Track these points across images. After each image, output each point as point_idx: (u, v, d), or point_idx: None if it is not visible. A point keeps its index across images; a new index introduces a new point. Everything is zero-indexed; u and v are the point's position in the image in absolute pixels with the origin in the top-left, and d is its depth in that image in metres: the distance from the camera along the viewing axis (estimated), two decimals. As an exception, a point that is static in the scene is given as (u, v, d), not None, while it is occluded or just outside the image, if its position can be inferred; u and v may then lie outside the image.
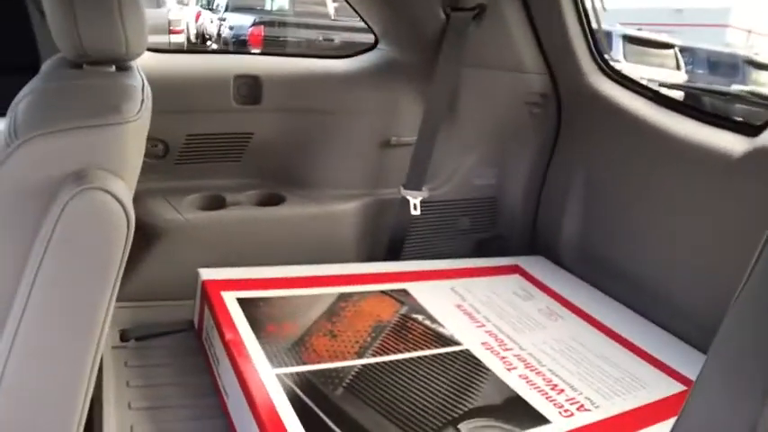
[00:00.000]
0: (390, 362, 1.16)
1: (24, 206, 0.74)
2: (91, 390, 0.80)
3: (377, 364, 1.14)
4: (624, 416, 1.11)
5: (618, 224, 1.60)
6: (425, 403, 1.05)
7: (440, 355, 1.21)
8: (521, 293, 1.55)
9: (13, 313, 0.74)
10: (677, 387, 1.21)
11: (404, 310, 1.36)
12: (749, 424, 0.57)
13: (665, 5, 14.03)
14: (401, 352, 1.20)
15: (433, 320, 1.33)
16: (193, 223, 1.48)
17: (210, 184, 1.59)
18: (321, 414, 0.98)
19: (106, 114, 0.77)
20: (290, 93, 1.60)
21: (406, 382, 1.10)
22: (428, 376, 1.13)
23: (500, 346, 1.28)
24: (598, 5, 1.66)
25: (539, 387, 1.15)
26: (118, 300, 0.79)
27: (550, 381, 1.18)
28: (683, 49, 7.70)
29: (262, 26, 6.78)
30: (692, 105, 1.95)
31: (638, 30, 7.98)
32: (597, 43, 1.73)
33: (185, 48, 7.39)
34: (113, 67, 0.95)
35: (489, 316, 1.40)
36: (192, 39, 7.94)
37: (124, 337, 1.30)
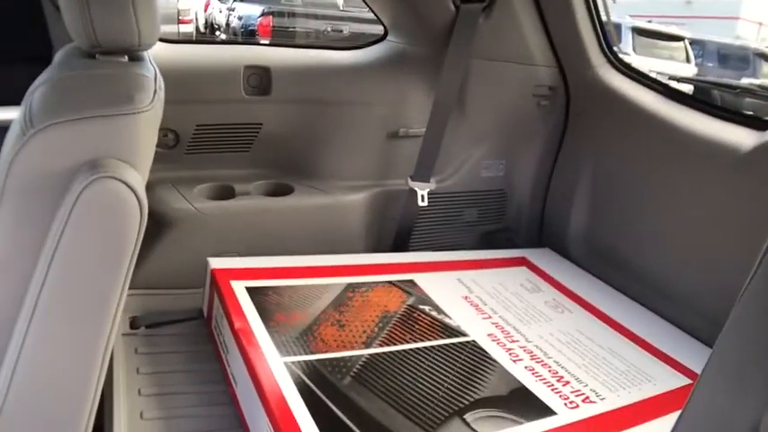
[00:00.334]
0: (397, 352, 1.17)
1: (39, 194, 0.75)
2: (103, 376, 0.81)
3: (384, 353, 1.15)
4: (629, 408, 1.11)
5: (626, 217, 1.60)
6: (432, 393, 1.07)
7: (446, 345, 1.22)
8: (527, 286, 1.56)
9: (28, 300, 0.75)
10: (683, 380, 1.21)
11: (411, 300, 1.37)
12: (753, 419, 0.58)
13: (675, -3, 13.90)
14: (408, 342, 1.21)
15: (440, 311, 1.34)
16: (203, 212, 1.49)
17: (220, 174, 1.60)
18: (329, 402, 0.99)
19: (119, 104, 0.78)
20: (300, 84, 1.61)
21: (413, 372, 1.11)
22: (435, 366, 1.14)
23: (506, 337, 1.29)
24: (608, -3, 1.66)
25: (544, 379, 1.16)
26: (128, 287, 0.81)
27: (556, 373, 1.19)
28: (692, 42, 7.64)
29: (270, 16, 6.77)
30: (702, 99, 1.94)
31: (648, 22, 7.92)
32: (606, 35, 1.72)
33: (194, 37, 7.40)
34: (126, 58, 0.95)
35: (496, 308, 1.41)
36: (201, 29, 7.94)
37: (134, 324, 1.31)
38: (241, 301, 1.22)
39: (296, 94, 1.60)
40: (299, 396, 0.98)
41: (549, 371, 1.19)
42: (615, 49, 1.77)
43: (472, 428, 0.99)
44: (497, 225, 1.89)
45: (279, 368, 1.04)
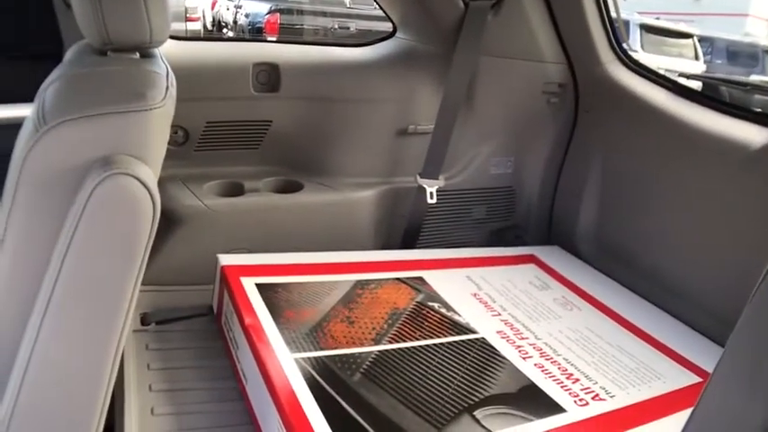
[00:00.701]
0: (406, 348, 1.17)
1: (52, 190, 0.76)
2: (115, 372, 0.82)
3: (393, 350, 1.15)
4: (639, 406, 1.11)
5: (635, 215, 1.59)
6: (441, 390, 1.07)
7: (455, 342, 1.22)
8: (536, 283, 1.56)
9: (42, 296, 0.76)
10: (692, 379, 1.21)
11: (420, 297, 1.37)
12: (765, 419, 0.58)
13: (683, -6, 13.82)
14: (417, 339, 1.21)
15: (449, 308, 1.34)
16: (213, 209, 1.50)
17: (229, 170, 1.61)
18: (339, 398, 0.99)
19: (131, 101, 0.78)
20: (309, 81, 1.61)
21: (423, 369, 1.12)
22: (444, 363, 1.15)
23: (515, 334, 1.29)
24: (617, -6, 1.65)
25: (554, 376, 1.16)
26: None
27: (565, 370, 1.18)
28: (701, 39, 7.59)
29: (278, 13, 6.77)
30: (711, 96, 1.93)
31: (656, 19, 7.88)
32: (616, 33, 1.72)
33: (202, 35, 7.42)
34: (137, 54, 0.96)
35: (505, 305, 1.41)
36: (209, 26, 7.95)
37: (145, 320, 1.32)
38: (251, 298, 1.22)
39: (305, 91, 1.61)
40: (309, 392, 0.98)
41: (559, 368, 1.19)
42: (624, 46, 1.77)
43: (482, 425, 0.99)
44: (506, 222, 1.88)
45: (289, 364, 1.04)
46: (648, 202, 1.56)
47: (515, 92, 1.74)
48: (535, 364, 1.19)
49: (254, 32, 6.93)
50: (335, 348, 1.12)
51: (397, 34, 1.74)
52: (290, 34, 6.65)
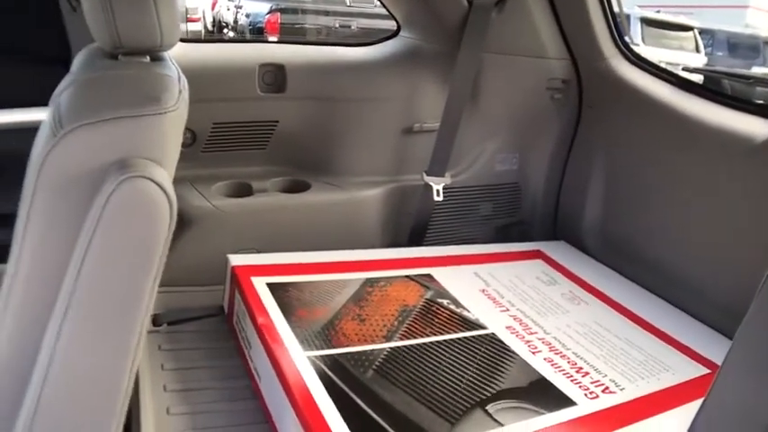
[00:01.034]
0: (418, 345, 1.18)
1: (70, 194, 0.77)
2: (134, 374, 0.83)
3: (405, 347, 1.17)
4: (648, 398, 1.12)
5: (640, 209, 1.60)
6: (453, 385, 1.08)
7: (466, 338, 1.23)
8: (543, 278, 1.57)
9: (61, 300, 0.77)
10: (701, 370, 1.22)
11: (429, 294, 1.38)
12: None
13: (683, -14, 13.78)
14: (428, 335, 1.22)
15: (458, 305, 1.35)
16: (221, 210, 1.51)
17: (237, 171, 1.62)
18: (353, 395, 1.00)
19: (146, 104, 0.79)
20: (314, 81, 1.62)
21: (434, 365, 1.13)
22: (455, 359, 1.16)
23: (524, 330, 1.30)
24: (619, -12, 1.66)
25: (564, 370, 1.17)
26: None
27: (575, 363, 1.20)
28: (702, 31, 7.58)
29: (278, 13, 6.78)
30: (714, 89, 1.94)
31: (657, 12, 7.87)
32: (618, 27, 1.73)
33: (202, 35, 7.43)
34: (147, 58, 0.97)
35: (513, 300, 1.42)
36: (209, 27, 7.96)
37: (156, 321, 1.33)
38: (262, 298, 1.23)
39: (311, 91, 1.62)
40: (324, 389, 1.00)
41: (568, 362, 1.20)
42: (626, 39, 1.78)
43: (494, 419, 1.00)
44: (512, 218, 1.89)
45: (302, 362, 1.06)
46: (653, 195, 1.57)
47: (519, 88, 1.75)
48: (545, 359, 1.20)
49: (255, 32, 6.95)
50: (348, 346, 1.14)
51: (401, 33, 1.75)
52: (291, 34, 6.66)
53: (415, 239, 1.72)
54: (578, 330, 1.32)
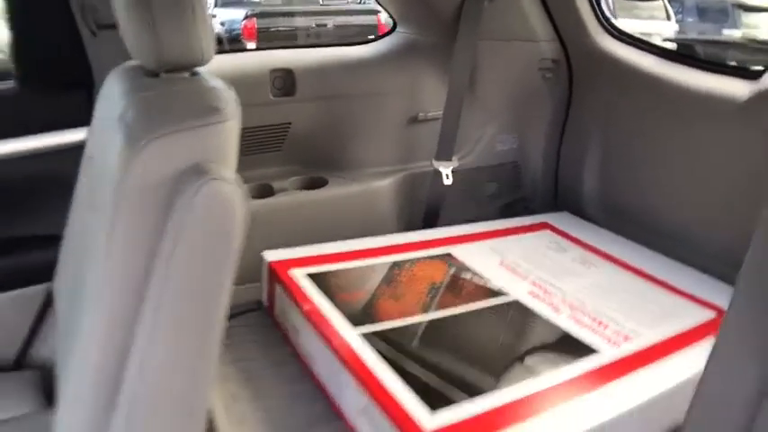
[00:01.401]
0: (452, 316, 1.29)
1: (150, 202, 0.83)
2: (216, 368, 0.91)
3: (441, 318, 1.27)
4: (665, 342, 1.24)
5: (635, 174, 1.72)
6: (490, 346, 1.19)
7: (493, 306, 1.34)
8: (553, 247, 1.68)
9: (150, 303, 0.83)
10: (709, 314, 1.34)
11: (453, 270, 1.49)
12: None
13: (647, -44, 13.92)
14: (459, 306, 1.33)
15: (481, 277, 1.46)
16: (249, 212, 1.59)
17: (257, 173, 1.71)
18: (404, 361, 1.11)
19: (210, 115, 0.86)
20: (321, 81, 1.72)
21: (470, 331, 1.24)
22: (487, 324, 1.27)
23: (544, 293, 1.41)
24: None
25: (586, 324, 1.28)
26: None
27: (595, 318, 1.31)
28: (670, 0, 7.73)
29: (254, 18, 6.82)
30: (695, 56, 2.06)
31: (624, -16, 7.99)
32: (600, 5, 1.84)
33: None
34: (187, 74, 1.03)
35: (529, 269, 1.53)
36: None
37: None
38: (303, 287, 1.33)
39: (319, 91, 1.71)
40: (377, 358, 1.10)
41: (589, 317, 1.31)
42: (608, 16, 1.89)
43: (533, 370, 1.11)
44: (516, 195, 2.01)
45: (353, 338, 1.16)
46: (646, 161, 1.69)
47: (514, 72, 1.86)
48: (567, 316, 1.31)
49: (233, 41, 6.97)
50: (391, 321, 1.24)
51: (398, 29, 1.85)
52: (268, 39, 6.70)
53: (430, 223, 1.83)
54: (594, 290, 1.44)
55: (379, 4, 1.82)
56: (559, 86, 1.90)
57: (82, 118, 1.50)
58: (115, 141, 0.89)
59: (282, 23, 7.00)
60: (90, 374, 0.88)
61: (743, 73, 1.53)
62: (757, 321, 0.84)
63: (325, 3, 7.45)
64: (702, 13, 7.79)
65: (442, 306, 1.32)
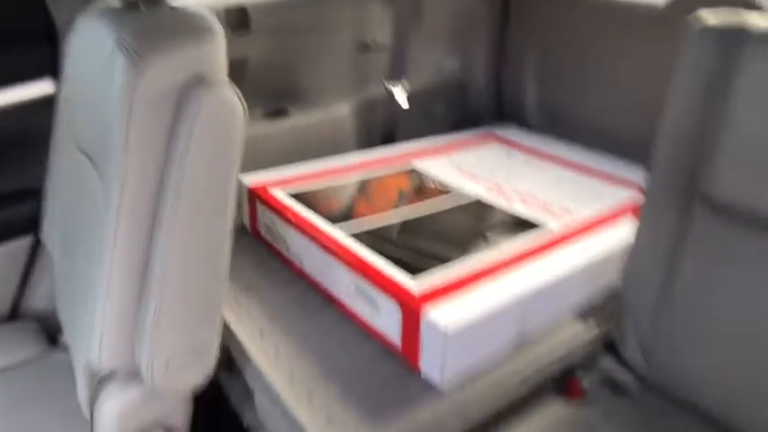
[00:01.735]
0: (422, 217, 1.46)
1: (159, 112, 0.91)
2: (228, 263, 1.04)
3: (413, 219, 1.44)
4: (603, 216, 1.46)
5: (569, 84, 1.92)
6: (457, 231, 1.38)
7: (458, 206, 1.52)
8: (503, 154, 1.87)
9: (168, 210, 0.93)
10: (637, 193, 1.56)
11: (417, 180, 1.66)
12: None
13: None
14: (427, 207, 1.50)
15: (444, 184, 1.63)
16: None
17: None
18: (387, 247, 1.28)
19: (203, 32, 0.94)
20: (275, 16, 1.80)
21: (439, 224, 1.42)
22: (453, 218, 1.45)
23: (499, 191, 1.60)
24: None
25: (536, 208, 1.48)
26: None
27: (544, 203, 1.51)
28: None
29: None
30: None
31: None
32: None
33: None
34: (167, 6, 1.06)
35: (485, 174, 1.71)
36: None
37: None
38: (288, 203, 1.47)
39: (274, 26, 1.80)
40: (363, 247, 1.27)
41: (538, 203, 1.51)
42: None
43: (493, 243, 1.30)
44: (463, 112, 2.18)
45: (339, 235, 1.32)
46: (578, 71, 1.89)
47: None
48: (521, 204, 1.51)
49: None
50: (368, 221, 1.40)
51: None
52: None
53: (387, 143, 1.98)
54: (540, 183, 1.64)
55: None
56: (497, 7, 2.06)
57: (48, 70, 1.55)
58: (114, 69, 0.94)
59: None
60: (117, 284, 0.98)
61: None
62: (668, 196, 1.07)
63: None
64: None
65: (412, 208, 1.49)
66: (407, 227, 1.40)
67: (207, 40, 0.96)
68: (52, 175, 1.37)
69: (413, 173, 1.70)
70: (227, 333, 1.22)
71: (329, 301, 1.31)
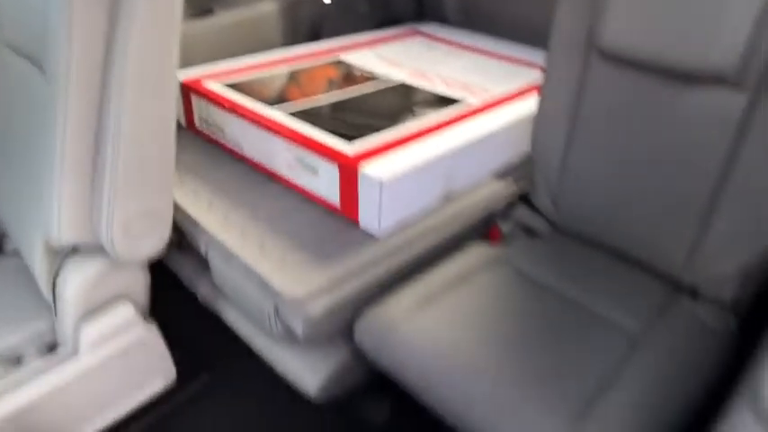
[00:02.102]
0: (351, 97, 1.55)
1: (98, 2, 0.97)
2: (175, 133, 1.10)
3: (343, 99, 1.53)
4: (515, 92, 1.60)
5: None
6: (386, 108, 1.48)
7: (384, 89, 1.62)
8: (425, 46, 1.97)
9: (113, 83, 0.98)
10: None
11: (344, 69, 1.74)
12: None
13: None
14: (355, 91, 1.59)
15: (370, 72, 1.72)
16: None
17: None
18: (322, 121, 1.37)
19: None
20: None
21: (368, 103, 1.52)
22: (383, 99, 1.55)
23: (423, 76, 1.71)
24: None
25: (456, 88, 1.61)
26: None
27: (464, 84, 1.64)
28: None
29: None
30: None
31: None
32: None
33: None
34: None
35: (408, 62, 1.81)
36: None
37: None
38: (223, 92, 1.53)
39: None
40: (299, 122, 1.36)
41: (459, 85, 1.63)
42: None
43: (419, 115, 1.42)
44: (387, 12, 2.25)
45: (275, 114, 1.40)
46: None
47: None
48: (443, 86, 1.62)
49: None
50: (303, 102, 1.49)
51: None
52: None
53: (312, 41, 2.04)
54: (460, 69, 1.76)
55: None
56: None
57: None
58: None
59: None
60: (71, 160, 1.03)
61: None
62: (569, 53, 1.20)
63: None
64: None
65: (342, 92, 1.58)
66: (339, 106, 1.49)
67: None
68: None
69: (340, 64, 1.78)
70: (177, 211, 1.30)
71: (270, 178, 1.40)
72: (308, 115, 1.42)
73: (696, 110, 1.09)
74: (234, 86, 1.56)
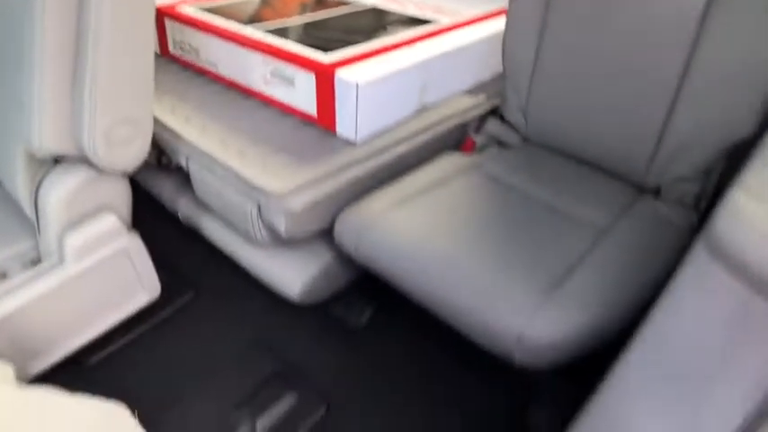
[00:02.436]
0: (325, 18, 1.57)
1: None
2: (152, 51, 1.12)
3: (317, 20, 1.55)
4: (486, 14, 1.63)
5: None
6: (360, 27, 1.50)
7: (355, 12, 1.64)
8: None
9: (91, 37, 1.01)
10: None
11: (316, -3, 1.75)
12: None
13: None
14: (329, 14, 1.61)
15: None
16: None
17: None
18: (301, 38, 1.39)
19: None
20: None
21: (344, 23, 1.53)
22: (356, 19, 1.57)
23: (396, 1, 1.73)
24: None
25: (428, 11, 1.63)
26: None
27: (435, 7, 1.66)
28: None
29: None
30: None
31: None
32: None
33: None
34: None
35: None
36: None
37: None
38: (196, 15, 1.53)
39: None
40: (275, 38, 1.37)
41: (430, 8, 1.66)
42: None
43: (392, 33, 1.45)
44: None
45: (252, 31, 1.41)
46: None
47: None
48: (414, 8, 1.65)
49: None
50: (278, 22, 1.50)
51: None
52: None
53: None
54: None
55: None
56: None
57: None
58: None
59: None
60: (50, 70, 1.03)
61: None
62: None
63: None
64: None
65: (315, 15, 1.60)
66: (314, 26, 1.51)
67: None
68: None
69: (313, -5, 1.79)
70: (156, 124, 1.31)
71: (246, 95, 1.42)
72: (283, 32, 1.43)
73: (660, 10, 1.13)
74: (208, 11, 1.56)
